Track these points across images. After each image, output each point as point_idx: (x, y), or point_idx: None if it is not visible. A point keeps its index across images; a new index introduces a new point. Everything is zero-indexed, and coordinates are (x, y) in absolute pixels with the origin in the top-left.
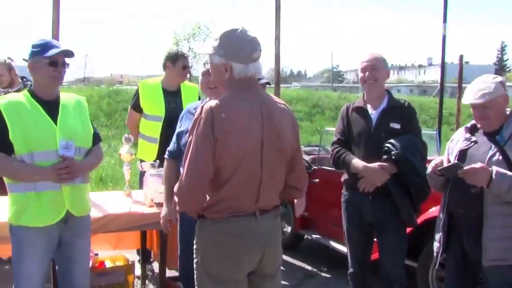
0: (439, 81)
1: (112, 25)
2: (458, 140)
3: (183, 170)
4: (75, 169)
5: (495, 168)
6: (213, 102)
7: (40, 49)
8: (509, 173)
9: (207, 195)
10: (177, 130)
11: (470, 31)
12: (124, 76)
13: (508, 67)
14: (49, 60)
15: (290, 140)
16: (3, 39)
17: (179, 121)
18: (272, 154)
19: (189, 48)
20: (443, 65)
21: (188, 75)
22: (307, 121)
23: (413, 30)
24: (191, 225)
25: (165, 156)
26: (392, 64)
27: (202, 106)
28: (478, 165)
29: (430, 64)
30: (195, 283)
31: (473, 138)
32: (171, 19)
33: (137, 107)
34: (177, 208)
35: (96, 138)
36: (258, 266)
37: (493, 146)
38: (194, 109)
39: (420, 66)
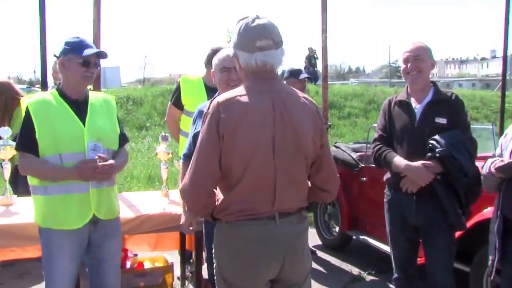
0: (501, 74)
1: (170, 25)
2: None
3: (189, 171)
4: (108, 167)
5: None
6: (221, 97)
7: (75, 48)
8: None
9: (221, 196)
10: (193, 131)
11: None
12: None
13: None
14: (82, 60)
15: (310, 138)
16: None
17: (192, 123)
18: (287, 152)
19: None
20: (505, 57)
21: None
22: (363, 117)
23: (475, 21)
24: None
25: (181, 160)
26: (453, 58)
27: (211, 102)
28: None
29: (494, 57)
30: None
31: None
32: (226, 16)
33: (178, 104)
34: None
35: (123, 139)
36: (280, 274)
37: None
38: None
39: (482, 59)
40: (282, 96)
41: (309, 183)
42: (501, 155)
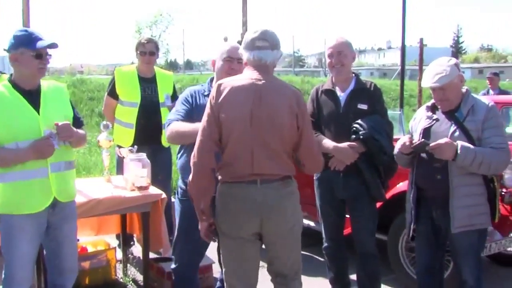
0: (398, 64)
1: (70, 14)
2: (420, 118)
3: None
4: (67, 127)
5: (459, 143)
6: (219, 81)
7: (25, 41)
8: (472, 146)
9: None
10: (191, 108)
11: (427, 14)
12: (84, 65)
13: (464, 49)
14: (35, 53)
15: (285, 118)
16: None
17: (186, 98)
18: (262, 126)
19: (151, 35)
20: (403, 48)
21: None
22: None
23: (372, 13)
24: (189, 213)
25: (168, 121)
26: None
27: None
28: (443, 140)
29: (389, 47)
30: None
31: (435, 116)
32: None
33: (113, 94)
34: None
35: (78, 123)
36: (262, 229)
37: (453, 123)
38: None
39: (379, 49)
40: (265, 83)
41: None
42: (411, 137)
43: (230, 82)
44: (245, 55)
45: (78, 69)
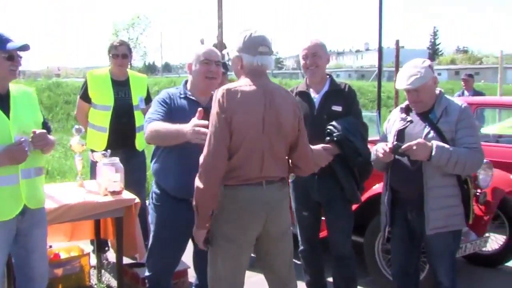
0: (376, 65)
1: (47, 17)
2: (394, 120)
3: (205, 146)
4: (44, 136)
5: (434, 142)
6: (226, 86)
7: None
8: (446, 146)
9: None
10: (169, 107)
11: (405, 16)
12: (61, 68)
13: (440, 51)
14: (7, 55)
15: (290, 122)
16: None
17: (163, 99)
18: (272, 131)
19: (129, 38)
20: (380, 50)
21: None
22: None
23: (350, 16)
24: (165, 219)
25: (148, 121)
26: (330, 50)
27: (219, 90)
28: (414, 142)
29: (367, 49)
30: (211, 242)
31: (409, 118)
32: (107, 9)
33: (86, 97)
34: (201, 182)
35: (47, 128)
36: (263, 229)
37: (427, 124)
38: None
39: (357, 51)
40: (270, 88)
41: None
42: (385, 138)
43: (239, 87)
44: (245, 59)
45: (55, 72)
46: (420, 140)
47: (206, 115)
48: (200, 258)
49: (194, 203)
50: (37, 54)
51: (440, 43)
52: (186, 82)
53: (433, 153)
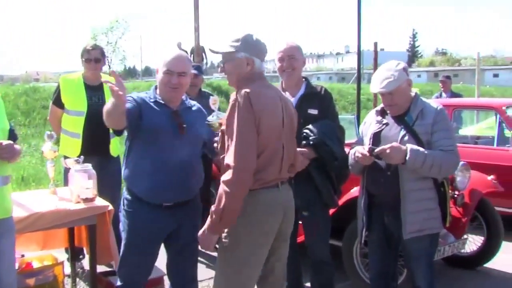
0: (356, 68)
1: (26, 21)
2: (370, 123)
3: (232, 148)
4: (11, 148)
5: (409, 146)
6: (247, 89)
7: None
8: (421, 149)
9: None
10: (138, 106)
11: (384, 17)
12: (40, 73)
13: (420, 53)
14: None
15: (296, 124)
16: None
17: (134, 100)
18: (288, 133)
19: (107, 42)
20: (359, 53)
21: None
22: None
23: (330, 19)
24: (145, 221)
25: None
26: (311, 53)
27: (237, 93)
28: (387, 145)
29: (348, 52)
30: (229, 248)
31: (384, 121)
32: (87, 13)
33: (58, 103)
34: (232, 185)
35: (13, 136)
36: (278, 230)
37: (403, 127)
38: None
39: (338, 54)
40: (279, 92)
41: None
42: (362, 141)
43: (260, 90)
44: (257, 63)
45: (34, 77)
46: (394, 143)
47: (177, 117)
48: (173, 265)
49: (216, 208)
50: (16, 58)
51: (419, 45)
52: (156, 87)
53: (407, 157)
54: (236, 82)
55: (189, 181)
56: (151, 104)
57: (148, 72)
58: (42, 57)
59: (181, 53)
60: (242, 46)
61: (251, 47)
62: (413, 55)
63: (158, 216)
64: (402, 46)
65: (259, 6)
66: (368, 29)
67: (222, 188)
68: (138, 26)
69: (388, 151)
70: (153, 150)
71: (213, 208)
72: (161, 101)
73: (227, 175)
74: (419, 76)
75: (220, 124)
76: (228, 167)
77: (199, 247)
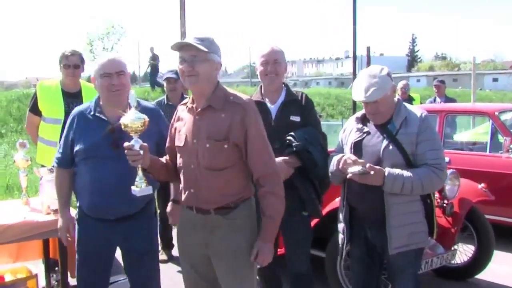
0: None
1: (26, 28)
2: (350, 130)
3: (266, 151)
4: None
5: (387, 170)
6: (249, 98)
7: None
8: (401, 172)
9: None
10: (69, 135)
11: (384, 23)
12: (40, 79)
13: (419, 58)
14: None
15: None
16: None
17: (68, 125)
18: None
19: (104, 47)
20: (354, 58)
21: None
22: None
23: (330, 24)
24: (90, 235)
25: (54, 164)
26: (311, 58)
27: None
28: (363, 168)
29: (347, 57)
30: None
31: (366, 129)
32: (83, 18)
33: (35, 110)
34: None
35: None
36: None
37: (385, 136)
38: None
39: (337, 59)
40: None
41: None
42: (341, 149)
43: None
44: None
45: (33, 82)
46: (374, 168)
47: (113, 133)
48: (134, 270)
49: (274, 213)
50: (15, 64)
51: (419, 50)
52: (99, 97)
53: (384, 182)
54: (202, 83)
55: (130, 196)
56: (89, 118)
57: (147, 78)
58: (42, 63)
59: (113, 54)
60: (218, 49)
61: (220, 53)
62: (412, 60)
63: (103, 228)
64: (401, 51)
65: (257, 11)
66: (368, 34)
67: (275, 195)
68: (135, 32)
69: (372, 172)
70: (91, 169)
71: (271, 217)
72: (99, 115)
73: (274, 182)
74: (418, 80)
75: (144, 124)
76: (269, 175)
77: (260, 264)
